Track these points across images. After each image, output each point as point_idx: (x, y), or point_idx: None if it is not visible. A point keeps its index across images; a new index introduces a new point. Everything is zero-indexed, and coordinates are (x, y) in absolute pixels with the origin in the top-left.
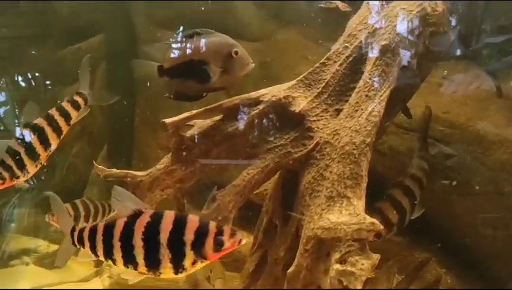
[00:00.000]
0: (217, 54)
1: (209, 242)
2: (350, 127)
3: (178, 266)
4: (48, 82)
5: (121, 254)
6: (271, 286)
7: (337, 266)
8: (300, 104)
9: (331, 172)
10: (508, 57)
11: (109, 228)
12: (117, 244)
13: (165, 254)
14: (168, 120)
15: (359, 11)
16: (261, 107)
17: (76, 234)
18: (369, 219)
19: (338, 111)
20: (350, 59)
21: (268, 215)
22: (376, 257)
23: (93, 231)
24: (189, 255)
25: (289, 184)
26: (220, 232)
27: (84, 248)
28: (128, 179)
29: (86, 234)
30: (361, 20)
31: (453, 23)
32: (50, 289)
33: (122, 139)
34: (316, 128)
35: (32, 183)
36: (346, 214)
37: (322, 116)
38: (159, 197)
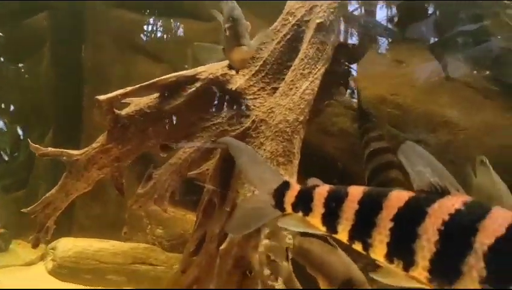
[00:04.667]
0: None
1: None
2: (284, 105)
3: None
4: None
5: (388, 240)
6: (205, 263)
7: (266, 241)
8: (238, 82)
9: (265, 150)
10: (481, 45)
11: (374, 198)
12: (385, 224)
13: (474, 267)
14: (101, 97)
15: None
16: (198, 84)
17: (293, 193)
18: None
19: (275, 89)
20: (288, 37)
21: (208, 195)
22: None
23: (335, 194)
24: None
25: (229, 163)
26: None
27: (305, 214)
28: (64, 157)
29: (321, 196)
30: None
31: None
32: None
33: (70, 121)
34: (252, 107)
35: None
36: None
37: (259, 94)
38: (96, 176)
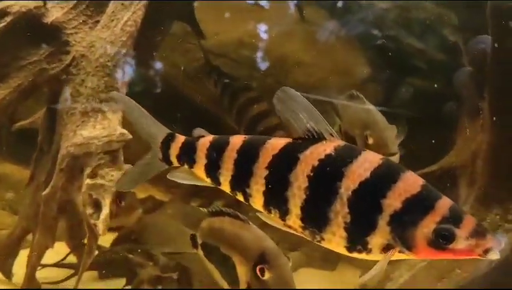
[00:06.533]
0: None
1: (426, 226)
2: (105, 38)
3: (356, 241)
4: None
5: (264, 189)
6: (33, 213)
7: (88, 181)
8: (54, 15)
9: (86, 87)
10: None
11: (252, 146)
12: (261, 173)
13: (340, 213)
14: None
15: None
16: (8, 19)
17: (177, 145)
18: (120, 130)
19: (98, 23)
20: None
21: (39, 144)
22: (127, 166)
23: (216, 144)
24: (382, 232)
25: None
26: (455, 217)
27: (190, 166)
28: None
29: (204, 146)
30: None
31: None
32: None
33: None
34: (73, 42)
35: None
36: (99, 128)
37: (81, 28)
38: None
